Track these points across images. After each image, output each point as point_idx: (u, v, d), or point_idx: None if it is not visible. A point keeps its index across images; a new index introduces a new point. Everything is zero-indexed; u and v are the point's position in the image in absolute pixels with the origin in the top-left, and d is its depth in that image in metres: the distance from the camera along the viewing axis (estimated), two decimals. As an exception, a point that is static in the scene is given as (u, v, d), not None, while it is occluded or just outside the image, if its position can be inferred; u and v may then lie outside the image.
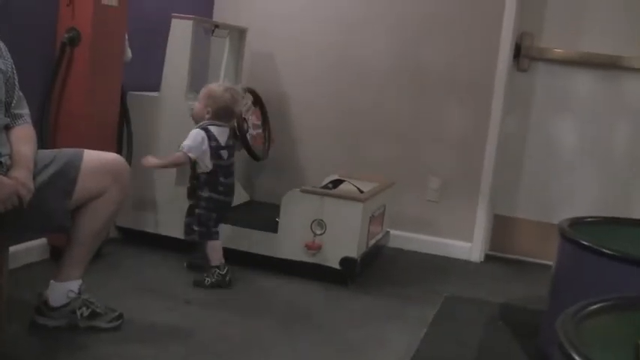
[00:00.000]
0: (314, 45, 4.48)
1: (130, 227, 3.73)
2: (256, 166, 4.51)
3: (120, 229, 3.77)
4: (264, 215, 3.86)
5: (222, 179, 3.34)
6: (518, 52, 4.27)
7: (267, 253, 3.59)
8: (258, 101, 4.04)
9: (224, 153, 3.34)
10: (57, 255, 3.05)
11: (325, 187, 3.79)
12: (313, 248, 3.48)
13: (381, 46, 4.38)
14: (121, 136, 3.63)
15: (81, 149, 2.54)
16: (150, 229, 3.75)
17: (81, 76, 3.25)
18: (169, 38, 3.72)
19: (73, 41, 3.22)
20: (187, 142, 3.25)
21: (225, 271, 3.33)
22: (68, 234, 2.57)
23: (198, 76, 4.10)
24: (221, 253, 3.38)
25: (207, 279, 3.31)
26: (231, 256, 3.61)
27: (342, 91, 4.46)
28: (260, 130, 3.99)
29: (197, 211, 3.36)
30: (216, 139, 3.30)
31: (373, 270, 3.82)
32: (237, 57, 4.32)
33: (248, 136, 3.81)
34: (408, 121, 4.38)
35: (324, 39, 4.46)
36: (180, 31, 3.70)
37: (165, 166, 3.36)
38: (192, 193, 3.39)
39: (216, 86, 3.39)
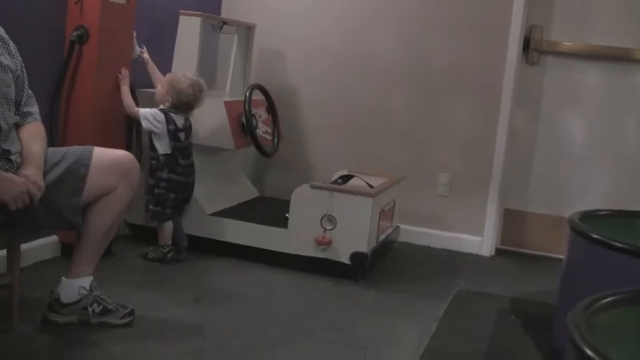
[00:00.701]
0: (322, 41, 4.48)
1: (141, 224, 3.74)
2: (265, 162, 4.52)
3: (130, 225, 3.79)
4: (273, 211, 3.86)
5: (181, 161, 3.49)
6: (527, 46, 4.26)
7: (277, 248, 3.59)
8: (266, 97, 4.05)
9: (182, 135, 3.48)
10: (68, 252, 3.06)
11: (335, 182, 3.79)
12: (323, 243, 3.49)
13: (389, 41, 4.37)
14: (131, 133, 3.63)
15: (90, 146, 2.55)
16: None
17: (90, 73, 3.26)
18: (177, 35, 3.72)
19: (82, 39, 3.22)
20: (147, 112, 3.41)
21: (167, 250, 3.53)
22: (79, 231, 2.57)
23: (207, 72, 4.10)
24: (169, 235, 3.56)
25: (150, 253, 3.52)
26: (241, 252, 3.62)
27: (351, 86, 4.46)
28: (269, 136, 3.99)
29: (156, 191, 3.48)
30: (174, 123, 3.44)
31: (383, 265, 3.82)
32: (246, 53, 4.32)
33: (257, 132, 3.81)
34: (417, 116, 4.37)
35: (333, 35, 4.46)
36: (188, 27, 3.70)
37: (122, 96, 3.41)
38: (151, 173, 3.49)
39: (183, 78, 3.45)
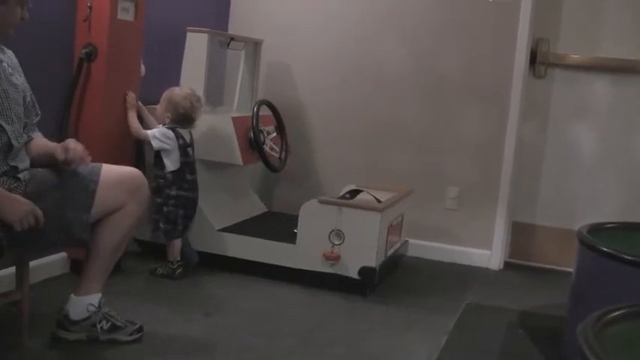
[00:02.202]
0: (330, 54, 4.49)
1: (149, 240, 3.74)
2: (273, 177, 4.52)
3: (139, 242, 3.79)
4: (282, 226, 3.86)
5: (188, 176, 3.51)
6: (534, 59, 4.25)
7: (285, 264, 3.59)
8: (274, 112, 4.06)
9: (190, 150, 3.51)
10: (77, 268, 3.07)
11: (343, 197, 3.79)
12: (332, 258, 3.48)
13: (397, 54, 4.38)
14: (140, 150, 3.65)
15: (99, 163, 2.56)
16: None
17: (98, 91, 3.28)
18: (185, 51, 3.74)
19: (90, 56, 3.24)
20: (155, 132, 3.43)
21: (176, 266, 3.54)
22: (87, 248, 2.58)
23: (215, 88, 4.12)
24: (178, 251, 3.57)
25: (159, 269, 3.54)
26: (250, 267, 3.62)
27: (359, 100, 4.47)
28: (276, 153, 3.99)
29: (165, 209, 3.48)
30: (183, 138, 3.47)
31: (392, 279, 3.81)
32: (253, 69, 4.34)
33: (264, 148, 3.82)
34: (425, 130, 4.37)
35: (340, 48, 4.47)
36: (196, 44, 3.72)
37: (129, 121, 3.43)
38: (158, 191, 3.48)
39: (178, 91, 3.49)
